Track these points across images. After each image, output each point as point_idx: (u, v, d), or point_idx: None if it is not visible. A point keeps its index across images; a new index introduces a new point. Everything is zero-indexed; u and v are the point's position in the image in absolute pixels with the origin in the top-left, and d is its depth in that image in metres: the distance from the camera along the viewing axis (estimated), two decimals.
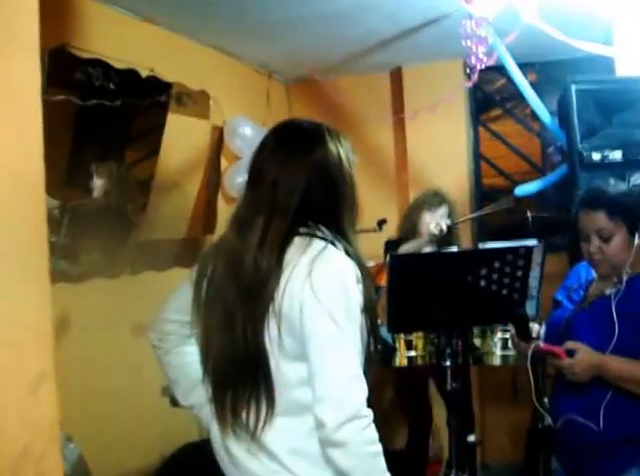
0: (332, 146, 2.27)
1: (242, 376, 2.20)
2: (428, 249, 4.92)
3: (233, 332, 2.18)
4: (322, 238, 2.20)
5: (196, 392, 2.43)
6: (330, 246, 2.18)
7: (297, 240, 2.19)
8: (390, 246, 5.06)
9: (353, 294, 2.14)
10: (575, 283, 3.27)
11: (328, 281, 2.12)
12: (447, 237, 4.98)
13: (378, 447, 2.10)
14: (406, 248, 4.87)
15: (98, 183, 4.29)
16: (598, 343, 2.86)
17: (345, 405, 2.05)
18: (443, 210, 5.03)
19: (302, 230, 2.21)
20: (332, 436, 2.04)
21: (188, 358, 2.46)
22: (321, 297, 2.09)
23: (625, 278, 2.92)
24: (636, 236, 2.91)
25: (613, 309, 2.86)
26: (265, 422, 2.18)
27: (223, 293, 2.23)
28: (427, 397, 5.19)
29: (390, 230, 5.27)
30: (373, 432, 2.08)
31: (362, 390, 2.09)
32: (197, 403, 2.46)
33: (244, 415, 2.20)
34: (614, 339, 2.81)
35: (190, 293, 2.34)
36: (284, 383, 2.17)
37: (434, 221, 4.95)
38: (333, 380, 2.08)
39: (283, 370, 2.16)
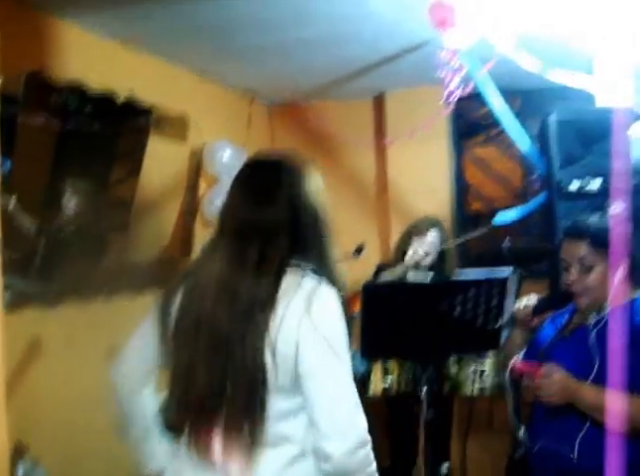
0: (294, 180, 2.33)
1: (231, 405, 2.21)
2: (419, 276, 4.88)
3: (228, 360, 2.20)
4: (313, 272, 2.27)
5: (152, 433, 2.46)
6: (323, 282, 2.24)
7: (290, 271, 2.25)
8: (378, 270, 5.07)
9: (345, 327, 2.24)
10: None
11: (328, 317, 2.20)
12: (440, 265, 4.97)
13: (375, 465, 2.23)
14: (386, 276, 4.84)
15: (73, 204, 4.28)
16: (578, 372, 2.85)
17: (353, 435, 2.15)
18: (432, 235, 5.00)
19: (292, 262, 2.28)
20: (342, 466, 2.13)
21: (146, 400, 2.49)
22: (324, 334, 2.17)
23: (607, 310, 2.92)
24: (619, 270, 2.90)
25: (593, 339, 2.85)
26: (249, 453, 2.20)
27: (210, 322, 2.24)
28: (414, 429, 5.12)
29: (371, 256, 5.27)
30: (372, 454, 2.21)
31: (364, 418, 2.20)
32: (152, 446, 2.48)
33: (225, 444, 2.22)
34: (594, 370, 2.80)
35: (151, 332, 2.37)
36: (269, 415, 2.20)
37: (422, 247, 4.94)
38: (340, 412, 2.17)
39: (270, 402, 2.19)
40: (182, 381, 2.30)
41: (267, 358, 2.16)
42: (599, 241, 2.92)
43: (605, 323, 2.89)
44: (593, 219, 3.02)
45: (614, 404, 2.67)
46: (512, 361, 2.96)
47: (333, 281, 2.28)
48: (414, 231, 5.08)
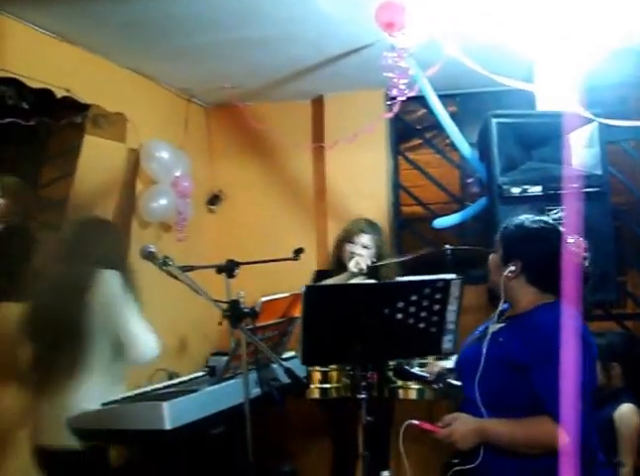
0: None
1: None
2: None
3: None
4: None
5: None
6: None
7: None
8: (318, 277, 5.01)
9: None
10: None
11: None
12: (378, 273, 4.93)
13: None
14: (329, 283, 4.79)
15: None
16: (469, 385, 2.90)
17: None
18: (364, 240, 4.95)
19: None
20: None
21: None
22: None
23: (499, 308, 2.97)
24: (508, 267, 2.92)
25: (483, 351, 2.86)
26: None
27: None
28: (352, 427, 5.11)
29: (308, 259, 5.20)
30: None
31: None
32: None
33: None
34: (476, 381, 2.85)
35: None
36: None
37: (355, 252, 4.90)
38: None
39: None
40: None
41: None
42: (502, 233, 3.02)
43: (501, 333, 2.90)
44: (522, 217, 3.05)
45: (516, 430, 2.75)
46: (407, 422, 2.96)
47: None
48: (346, 237, 5.03)
